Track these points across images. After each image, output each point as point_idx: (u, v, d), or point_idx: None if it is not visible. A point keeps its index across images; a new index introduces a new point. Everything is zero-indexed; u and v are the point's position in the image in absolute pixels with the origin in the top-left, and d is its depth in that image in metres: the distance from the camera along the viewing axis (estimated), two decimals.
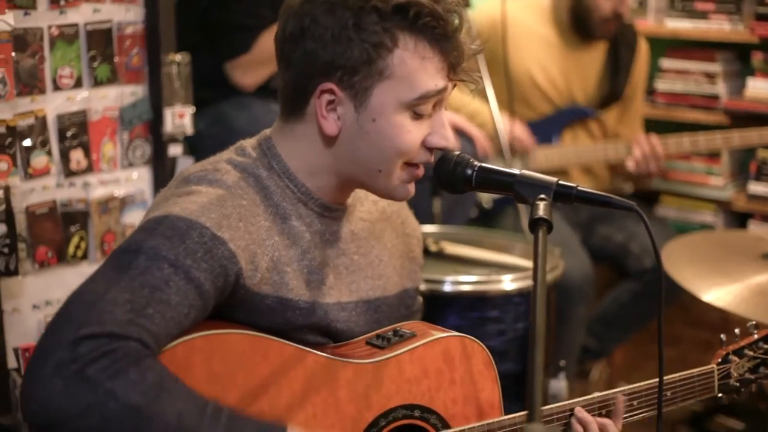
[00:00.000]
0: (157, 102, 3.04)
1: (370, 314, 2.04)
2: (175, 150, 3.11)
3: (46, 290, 2.84)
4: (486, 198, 3.98)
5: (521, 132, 3.99)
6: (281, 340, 1.80)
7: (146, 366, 1.56)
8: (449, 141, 1.89)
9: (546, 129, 4.12)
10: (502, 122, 3.56)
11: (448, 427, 1.94)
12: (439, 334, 1.97)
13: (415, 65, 1.81)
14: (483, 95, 3.54)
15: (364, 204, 2.07)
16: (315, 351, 1.83)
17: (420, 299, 2.25)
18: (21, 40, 2.67)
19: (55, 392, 1.51)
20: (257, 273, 1.81)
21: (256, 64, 3.47)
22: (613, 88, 4.21)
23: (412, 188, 1.93)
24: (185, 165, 2.93)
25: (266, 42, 3.26)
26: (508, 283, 2.91)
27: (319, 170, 1.90)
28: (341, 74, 1.81)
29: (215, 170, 1.85)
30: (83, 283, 1.64)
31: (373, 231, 2.07)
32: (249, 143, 1.95)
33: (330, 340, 1.97)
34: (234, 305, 1.81)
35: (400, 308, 2.14)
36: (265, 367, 1.76)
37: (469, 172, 1.91)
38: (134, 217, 2.97)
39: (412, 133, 1.84)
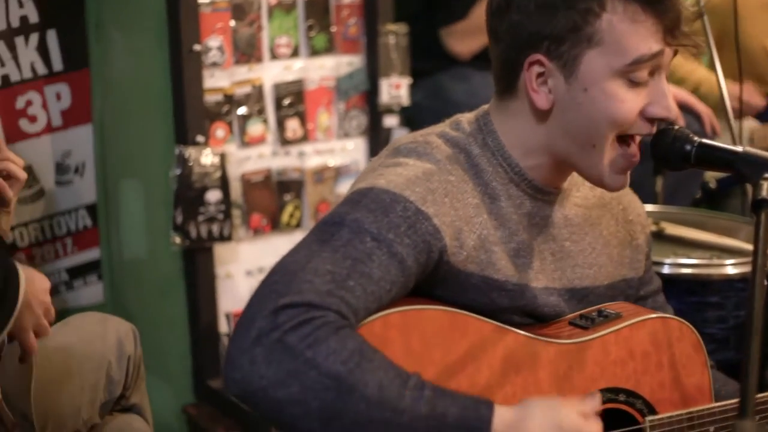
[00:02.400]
0: (373, 72, 3.06)
1: (573, 303, 1.96)
2: (390, 121, 3.11)
3: (259, 257, 2.90)
4: (711, 178, 3.83)
5: (750, 94, 3.82)
6: (480, 317, 1.75)
7: (345, 335, 1.54)
8: (670, 111, 1.79)
9: None
10: (727, 90, 3.38)
11: (654, 412, 1.86)
12: (645, 315, 1.90)
13: (625, 29, 1.72)
14: (710, 66, 3.39)
15: (580, 189, 1.99)
16: (515, 329, 1.78)
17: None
18: (239, 9, 2.72)
19: (255, 361, 1.51)
20: (463, 251, 1.76)
21: (472, 31, 3.43)
22: None
23: (625, 179, 1.83)
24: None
25: (483, 9, 3.22)
26: (730, 267, 2.77)
27: (534, 149, 1.84)
28: (548, 44, 1.74)
29: (426, 143, 1.82)
30: (286, 254, 1.65)
31: (589, 218, 1.99)
32: (466, 118, 1.90)
33: (535, 322, 1.91)
34: (436, 282, 1.77)
35: (614, 299, 2.04)
36: (464, 344, 1.72)
37: (688, 147, 1.81)
38: (348, 187, 2.99)
39: (627, 103, 1.75)
